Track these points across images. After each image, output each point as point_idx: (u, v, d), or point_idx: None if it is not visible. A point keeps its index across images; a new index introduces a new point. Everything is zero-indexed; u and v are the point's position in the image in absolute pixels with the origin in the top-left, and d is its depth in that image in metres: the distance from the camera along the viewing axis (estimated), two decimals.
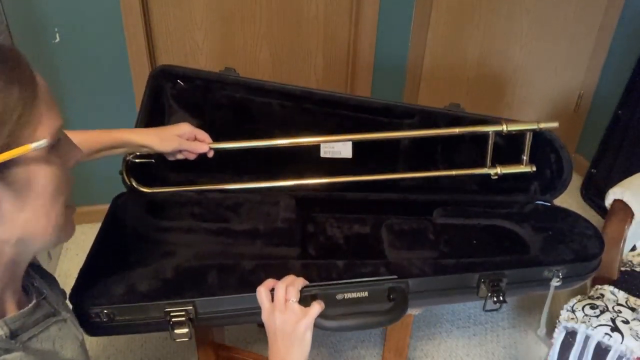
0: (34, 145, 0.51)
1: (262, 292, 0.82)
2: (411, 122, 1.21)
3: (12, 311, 0.58)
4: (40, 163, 0.53)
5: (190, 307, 0.86)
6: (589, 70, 2.34)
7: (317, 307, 0.81)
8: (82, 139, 0.94)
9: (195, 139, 1.09)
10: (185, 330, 0.86)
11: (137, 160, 1.12)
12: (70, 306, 0.79)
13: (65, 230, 0.60)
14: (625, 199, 1.29)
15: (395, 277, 0.92)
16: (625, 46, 2.19)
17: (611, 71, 2.29)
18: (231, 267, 0.94)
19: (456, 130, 1.14)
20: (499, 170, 1.16)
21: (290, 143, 1.15)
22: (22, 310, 0.58)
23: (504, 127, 1.13)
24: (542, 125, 1.12)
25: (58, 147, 0.55)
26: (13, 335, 0.56)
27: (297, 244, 1.05)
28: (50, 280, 0.71)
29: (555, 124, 1.12)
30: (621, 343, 1.06)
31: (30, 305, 0.60)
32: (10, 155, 0.49)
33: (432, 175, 1.22)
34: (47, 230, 0.56)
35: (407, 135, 1.21)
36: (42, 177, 0.54)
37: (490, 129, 1.14)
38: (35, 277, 0.67)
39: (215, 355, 1.26)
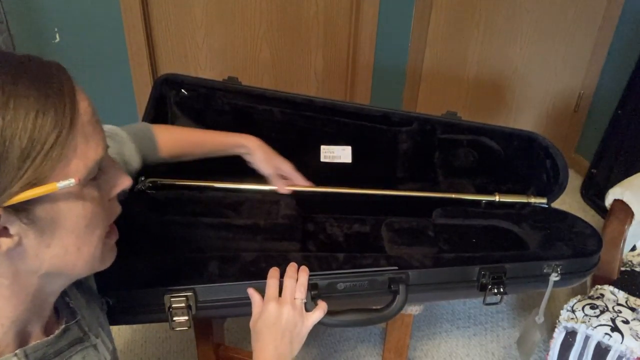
0: (61, 184, 0.45)
1: (271, 284, 0.82)
2: (409, 129, 1.23)
3: (37, 337, 0.53)
4: (70, 199, 0.47)
5: (190, 294, 0.85)
6: (589, 70, 2.34)
7: (320, 313, 0.81)
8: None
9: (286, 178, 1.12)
10: (184, 318, 0.85)
11: (149, 191, 1.14)
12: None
13: (102, 260, 0.55)
14: (625, 199, 1.29)
15: (396, 267, 0.92)
16: (625, 46, 2.19)
17: (611, 71, 2.29)
18: (232, 258, 0.94)
19: (452, 195, 1.20)
20: (497, 198, 1.18)
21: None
22: (46, 339, 0.54)
23: (496, 198, 1.18)
24: (532, 200, 1.17)
25: (97, 178, 0.50)
26: None
27: (297, 240, 1.05)
28: (88, 294, 0.67)
29: (544, 200, 1.17)
30: (621, 343, 1.06)
31: (56, 332, 0.55)
32: (33, 194, 0.44)
33: (431, 193, 1.24)
34: (76, 264, 0.52)
35: (405, 195, 1.24)
36: (73, 214, 0.48)
37: (483, 198, 1.19)
38: (70, 295, 0.62)
39: (215, 355, 1.26)
